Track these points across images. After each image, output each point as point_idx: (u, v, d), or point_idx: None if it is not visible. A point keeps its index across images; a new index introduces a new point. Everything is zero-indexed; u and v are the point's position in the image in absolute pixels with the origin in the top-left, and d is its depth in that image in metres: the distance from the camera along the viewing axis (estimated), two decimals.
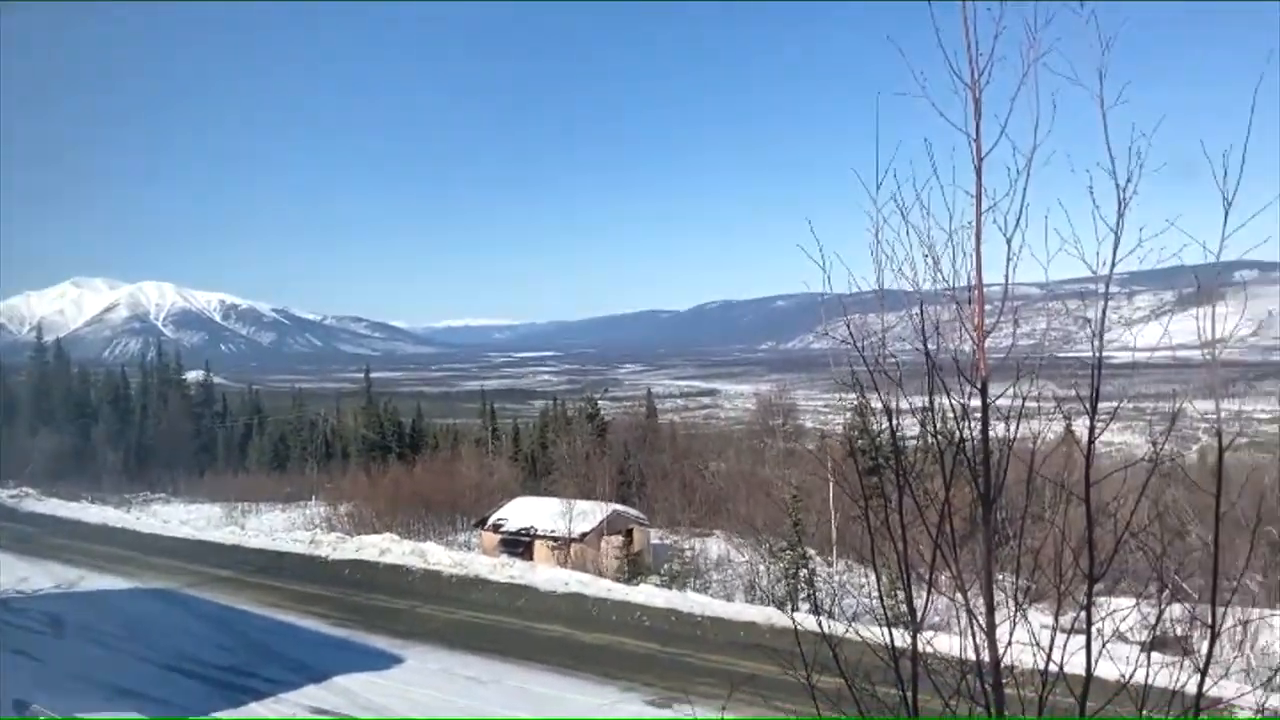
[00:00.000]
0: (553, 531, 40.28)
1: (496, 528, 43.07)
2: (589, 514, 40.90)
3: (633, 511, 45.97)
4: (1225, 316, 4.02)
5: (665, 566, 37.10)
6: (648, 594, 27.89)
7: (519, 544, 41.04)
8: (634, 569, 36.64)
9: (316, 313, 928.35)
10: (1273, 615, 25.89)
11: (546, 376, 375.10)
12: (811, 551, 35.63)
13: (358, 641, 23.36)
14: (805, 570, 33.53)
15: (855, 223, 4.33)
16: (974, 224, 4.08)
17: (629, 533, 41.92)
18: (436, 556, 32.60)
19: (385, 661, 21.48)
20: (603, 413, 73.99)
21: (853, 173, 4.33)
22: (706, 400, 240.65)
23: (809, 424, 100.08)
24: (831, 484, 39.69)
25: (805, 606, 30.83)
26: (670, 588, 31.08)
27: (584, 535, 39.46)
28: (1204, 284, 3.89)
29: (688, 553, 39.16)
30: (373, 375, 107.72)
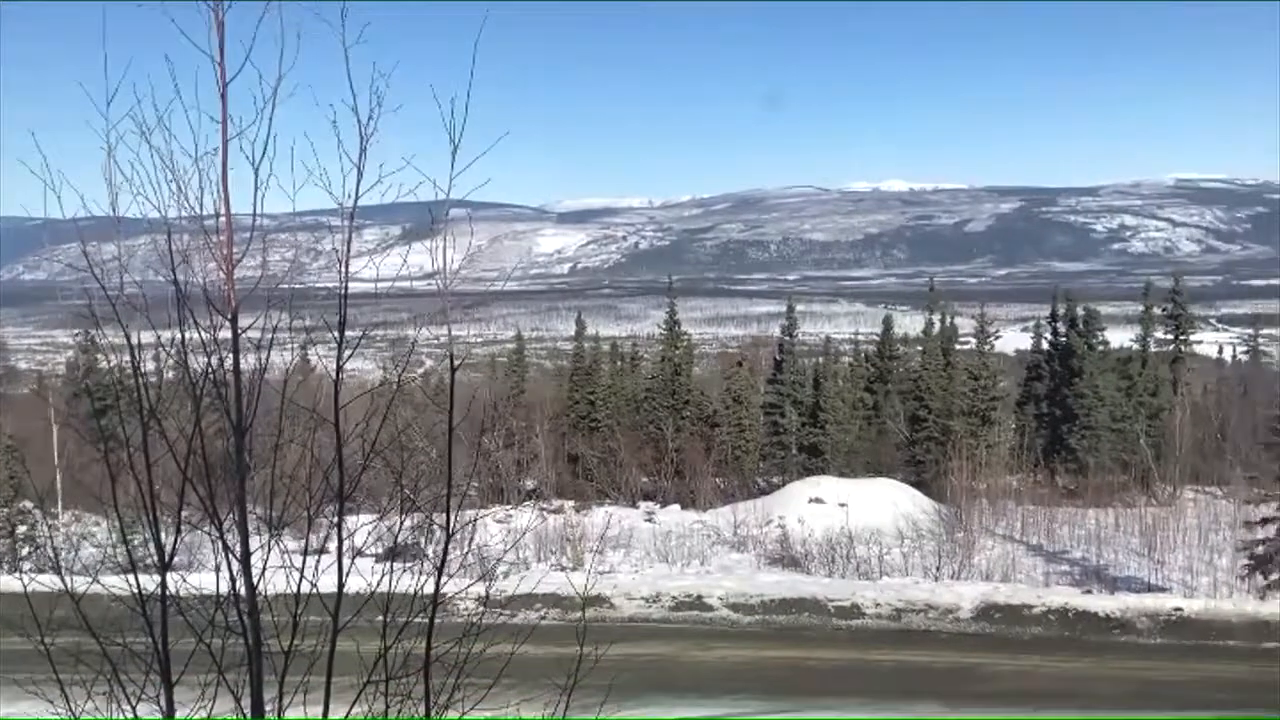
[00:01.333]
0: None
1: None
2: None
3: None
4: (451, 250, 4.45)
5: None
6: None
7: None
8: None
9: None
10: (487, 514, 29.66)
11: None
12: (28, 504, 32.18)
13: None
14: (25, 526, 30.36)
15: (89, 140, 3.95)
16: (220, 150, 3.97)
17: None
18: None
19: None
20: None
21: (81, 87, 3.95)
22: None
23: (24, 365, 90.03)
24: (56, 428, 36.32)
25: (29, 565, 27.92)
26: None
27: None
28: (435, 219, 4.25)
29: None
30: None
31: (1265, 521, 22.45)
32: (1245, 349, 54.01)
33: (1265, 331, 52.72)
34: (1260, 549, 22.49)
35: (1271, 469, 23.35)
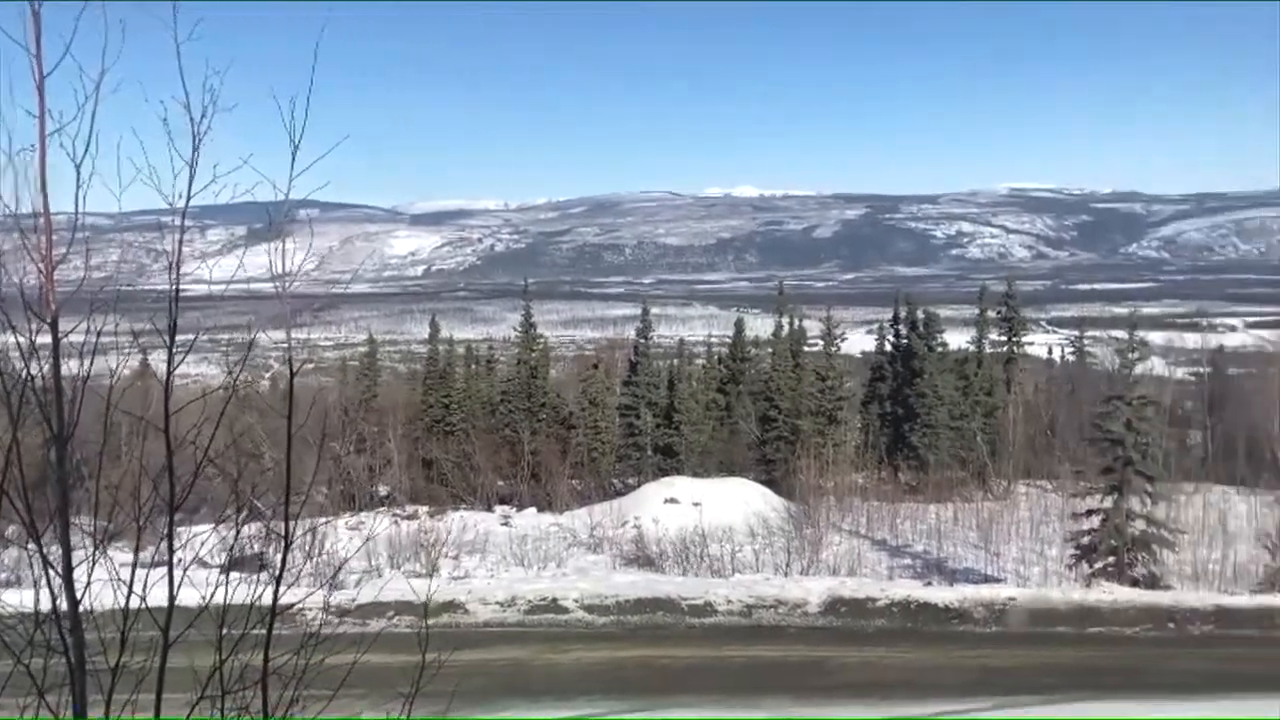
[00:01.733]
0: None
1: None
2: None
3: None
4: (294, 252, 4.35)
5: None
6: None
7: None
8: None
9: None
10: (336, 521, 28.94)
11: None
12: None
13: None
14: None
15: None
16: (38, 147, 3.78)
17: None
18: None
19: None
20: None
21: None
22: None
23: None
24: None
25: None
26: None
27: None
28: (274, 220, 4.14)
29: None
30: None
31: (1090, 513, 23.76)
32: (1072, 350, 56.92)
33: (1090, 333, 55.65)
34: (1085, 539, 23.79)
35: (1096, 463, 24.67)
